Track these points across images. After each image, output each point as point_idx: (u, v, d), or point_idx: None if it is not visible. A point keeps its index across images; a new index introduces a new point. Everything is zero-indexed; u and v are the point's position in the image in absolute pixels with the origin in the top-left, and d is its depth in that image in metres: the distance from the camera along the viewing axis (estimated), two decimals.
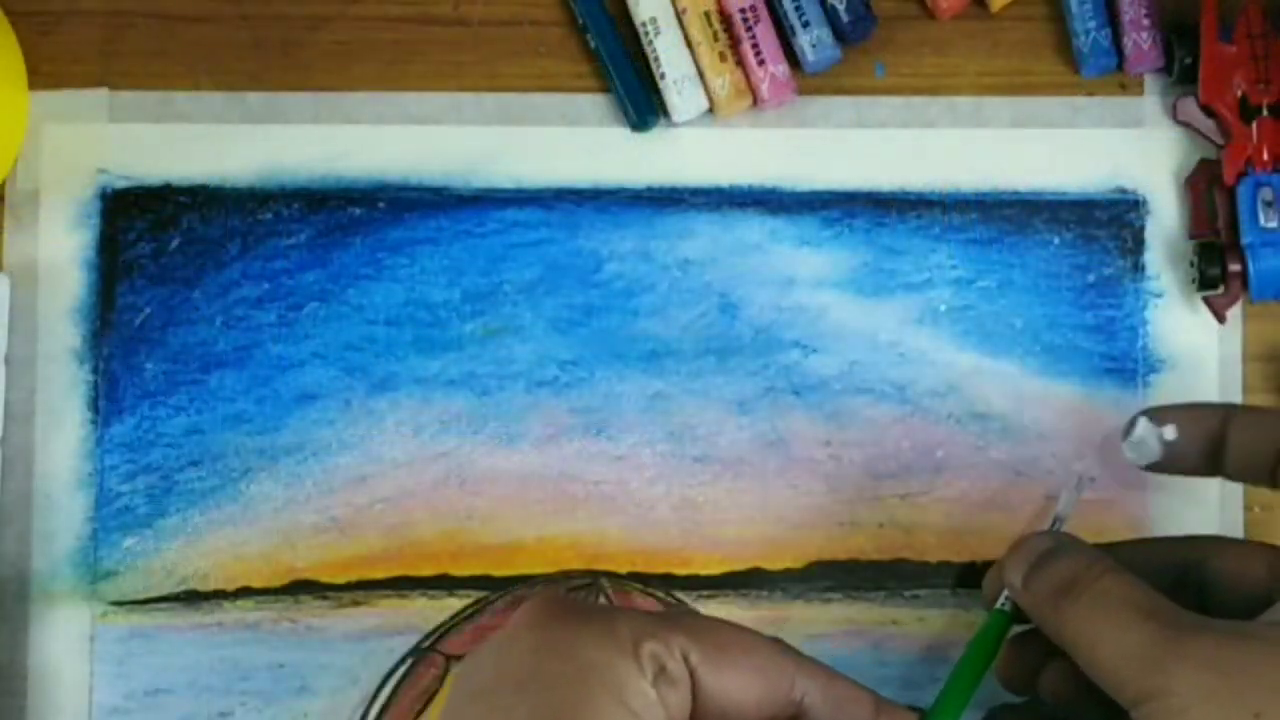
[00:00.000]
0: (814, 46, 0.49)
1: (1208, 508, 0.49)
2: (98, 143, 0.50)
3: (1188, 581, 0.41)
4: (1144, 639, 0.35)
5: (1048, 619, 0.39)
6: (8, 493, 0.49)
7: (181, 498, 0.49)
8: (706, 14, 0.50)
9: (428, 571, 0.49)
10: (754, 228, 0.50)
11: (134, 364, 0.49)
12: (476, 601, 0.49)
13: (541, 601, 0.36)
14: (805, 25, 0.49)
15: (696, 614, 0.38)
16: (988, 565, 0.46)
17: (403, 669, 0.49)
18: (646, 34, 0.50)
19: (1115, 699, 0.36)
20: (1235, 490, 0.49)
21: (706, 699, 0.36)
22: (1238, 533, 0.49)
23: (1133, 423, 0.44)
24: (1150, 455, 0.43)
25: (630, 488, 0.49)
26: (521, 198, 0.50)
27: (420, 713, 0.49)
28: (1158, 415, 0.43)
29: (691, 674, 0.35)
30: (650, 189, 0.50)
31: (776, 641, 0.38)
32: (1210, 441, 0.41)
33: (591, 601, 0.47)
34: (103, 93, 0.50)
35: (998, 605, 0.42)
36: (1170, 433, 0.42)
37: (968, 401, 0.50)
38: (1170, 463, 0.43)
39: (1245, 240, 0.48)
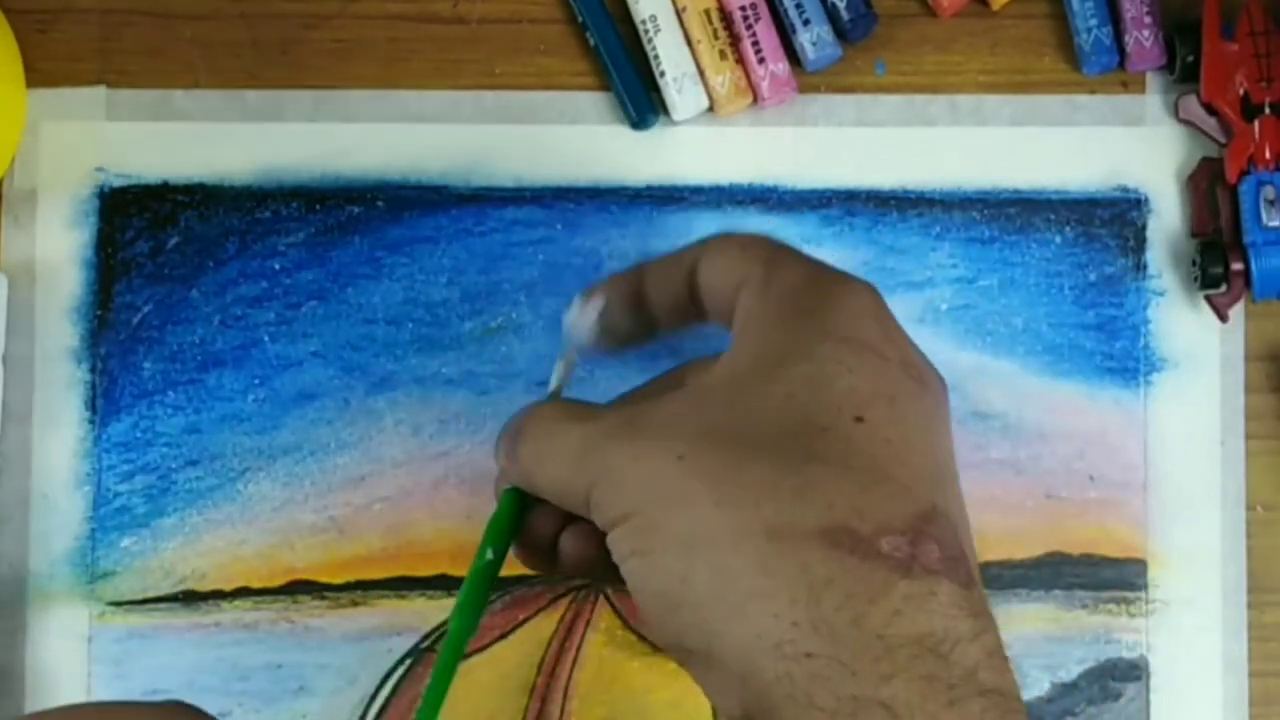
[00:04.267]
0: (814, 44, 0.49)
1: (1209, 507, 0.49)
2: (95, 141, 0.50)
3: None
4: (576, 439, 0.35)
5: (514, 473, 0.37)
6: (5, 492, 0.49)
7: (179, 497, 0.49)
8: (706, 12, 0.49)
9: (427, 572, 0.49)
10: (754, 226, 0.50)
11: (132, 363, 0.49)
12: None
13: None
14: (806, 23, 0.49)
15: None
16: None
17: (401, 669, 0.49)
18: (646, 32, 0.50)
19: (576, 510, 0.35)
20: (1238, 490, 0.49)
21: None
22: (1239, 536, 0.49)
23: (569, 306, 0.41)
24: (587, 328, 0.40)
25: None
26: (521, 196, 0.50)
27: None
28: (587, 294, 0.41)
29: None
30: (650, 187, 0.50)
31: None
32: (635, 301, 0.40)
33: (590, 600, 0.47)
34: (100, 91, 0.50)
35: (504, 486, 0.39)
36: (598, 303, 0.40)
37: (969, 401, 0.50)
38: (613, 335, 0.40)
39: (1247, 239, 0.48)
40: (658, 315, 0.39)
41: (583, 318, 0.40)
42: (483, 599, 0.38)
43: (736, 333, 0.36)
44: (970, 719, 0.30)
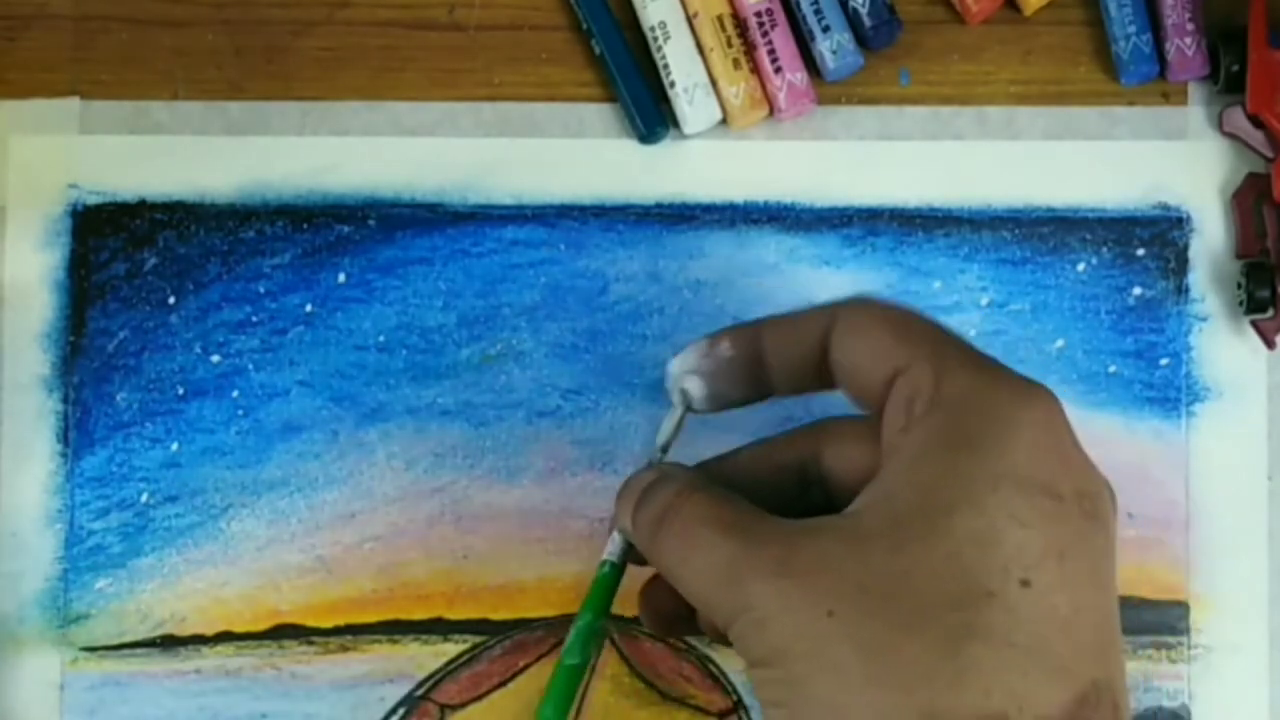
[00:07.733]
0: (834, 53, 0.49)
1: (1255, 546, 0.49)
2: (68, 155, 0.49)
3: (810, 478, 0.40)
4: (724, 556, 0.34)
5: (650, 554, 0.38)
6: None
7: (157, 536, 0.48)
8: (719, 18, 0.49)
9: (421, 615, 0.48)
10: (770, 247, 0.49)
11: (106, 393, 0.49)
12: (473, 647, 0.48)
13: None
14: (825, 30, 0.48)
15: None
16: None
17: (395, 719, 0.48)
18: (655, 39, 0.49)
19: (718, 624, 0.35)
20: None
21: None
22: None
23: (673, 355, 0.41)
24: (700, 381, 0.40)
25: None
26: (522, 215, 0.49)
27: None
28: (711, 341, 0.40)
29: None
30: (659, 205, 0.49)
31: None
32: (753, 362, 0.39)
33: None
34: (73, 102, 0.49)
35: (605, 556, 0.40)
36: (726, 349, 0.39)
37: None
38: (719, 398, 0.40)
39: None
40: (775, 380, 0.39)
41: (698, 368, 0.39)
42: (584, 661, 0.39)
43: (892, 453, 0.35)
44: None
